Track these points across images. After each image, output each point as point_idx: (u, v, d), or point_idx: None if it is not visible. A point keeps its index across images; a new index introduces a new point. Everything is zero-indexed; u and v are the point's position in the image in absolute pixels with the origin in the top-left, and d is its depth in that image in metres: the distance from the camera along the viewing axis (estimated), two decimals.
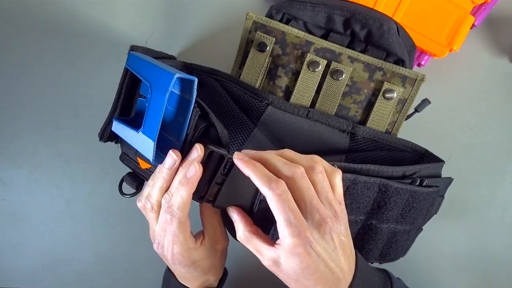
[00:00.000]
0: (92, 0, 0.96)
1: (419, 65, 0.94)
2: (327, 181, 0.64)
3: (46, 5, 0.96)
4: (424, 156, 0.83)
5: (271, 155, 0.65)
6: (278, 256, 0.62)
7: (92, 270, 1.04)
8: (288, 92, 0.83)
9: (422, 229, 0.86)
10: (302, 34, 0.81)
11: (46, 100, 0.99)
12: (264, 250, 0.64)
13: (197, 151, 0.65)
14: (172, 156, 0.66)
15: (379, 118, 0.82)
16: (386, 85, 0.81)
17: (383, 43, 0.79)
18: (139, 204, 0.72)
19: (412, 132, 0.85)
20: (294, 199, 0.60)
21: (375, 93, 0.82)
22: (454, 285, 1.03)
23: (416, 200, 0.76)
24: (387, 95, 0.81)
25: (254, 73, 0.83)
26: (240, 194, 0.69)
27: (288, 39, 0.82)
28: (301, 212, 0.60)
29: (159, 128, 0.64)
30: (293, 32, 0.81)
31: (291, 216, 0.59)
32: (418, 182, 0.76)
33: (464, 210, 1.01)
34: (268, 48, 0.81)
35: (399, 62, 0.82)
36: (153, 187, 0.68)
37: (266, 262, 0.64)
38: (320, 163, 0.64)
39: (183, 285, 0.79)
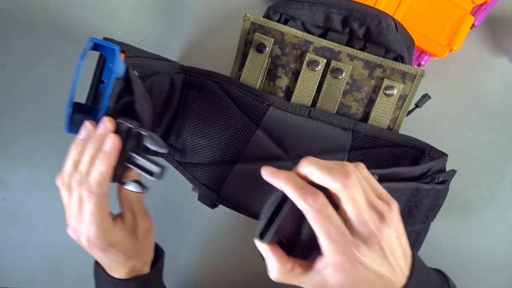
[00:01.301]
0: (91, 1, 0.96)
1: (419, 65, 0.93)
2: (364, 182, 0.57)
3: (47, 6, 0.96)
4: (425, 151, 0.82)
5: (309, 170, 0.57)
6: (323, 278, 0.57)
7: (92, 270, 1.04)
8: (289, 92, 0.83)
9: None
10: (301, 33, 0.80)
11: (46, 100, 0.98)
12: (306, 280, 0.58)
13: (105, 124, 0.63)
14: (87, 127, 0.64)
15: (381, 115, 0.81)
16: (386, 82, 0.80)
17: (381, 40, 0.79)
18: (57, 182, 0.68)
19: (412, 132, 0.84)
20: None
21: (375, 90, 0.81)
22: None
23: (440, 198, 0.77)
24: (387, 92, 0.80)
25: (254, 74, 0.82)
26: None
27: (287, 39, 0.81)
28: (346, 226, 0.55)
29: (73, 93, 0.63)
30: (292, 32, 0.80)
31: (332, 232, 0.53)
32: (437, 180, 0.75)
33: (464, 210, 1.00)
34: (267, 49, 0.80)
35: (398, 58, 0.81)
36: (67, 160, 0.66)
37: (310, 287, 0.59)
38: (353, 168, 0.57)
39: (111, 275, 0.76)
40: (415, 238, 0.80)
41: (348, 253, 0.54)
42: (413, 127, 0.89)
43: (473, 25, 0.89)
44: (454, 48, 0.88)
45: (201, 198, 0.87)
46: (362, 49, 0.81)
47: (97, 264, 0.79)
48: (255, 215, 0.84)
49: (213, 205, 0.86)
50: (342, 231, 0.54)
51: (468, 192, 1.00)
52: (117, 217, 0.72)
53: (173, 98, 0.85)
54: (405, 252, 0.60)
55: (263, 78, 0.83)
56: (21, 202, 1.02)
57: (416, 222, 0.77)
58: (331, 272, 0.56)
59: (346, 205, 0.55)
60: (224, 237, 1.02)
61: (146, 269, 0.79)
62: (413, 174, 0.74)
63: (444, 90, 0.97)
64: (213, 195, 0.84)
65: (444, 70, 0.97)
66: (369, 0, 0.86)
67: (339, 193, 0.55)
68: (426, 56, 0.92)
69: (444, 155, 0.81)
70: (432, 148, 0.82)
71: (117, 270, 0.75)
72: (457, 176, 0.88)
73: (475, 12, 0.90)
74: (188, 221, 1.02)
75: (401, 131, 0.84)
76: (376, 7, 0.84)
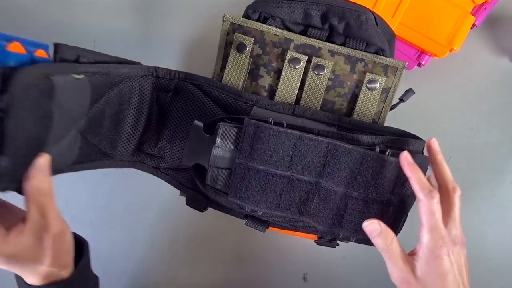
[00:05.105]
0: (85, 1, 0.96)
1: (419, 65, 0.89)
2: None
3: (47, 5, 0.97)
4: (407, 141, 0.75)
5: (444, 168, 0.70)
6: (414, 267, 0.66)
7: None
8: (272, 91, 0.80)
9: (406, 215, 0.76)
10: (281, 31, 0.77)
11: None
12: (400, 263, 0.67)
13: None
14: None
15: (365, 109, 0.78)
16: (368, 76, 0.76)
17: (362, 34, 0.75)
18: None
19: (411, 132, 0.84)
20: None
21: (358, 85, 0.78)
22: None
23: (369, 163, 0.71)
24: (370, 86, 0.76)
25: (236, 75, 0.79)
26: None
27: (267, 38, 0.78)
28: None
29: None
30: (271, 30, 0.77)
31: (438, 224, 0.65)
32: (377, 149, 0.72)
33: (464, 210, 0.97)
34: (247, 48, 0.78)
35: (380, 51, 0.77)
36: None
37: (399, 274, 0.67)
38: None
39: (27, 283, 0.66)
40: (343, 204, 0.74)
41: (443, 242, 0.65)
42: (412, 127, 0.87)
43: (473, 25, 0.86)
44: (455, 48, 0.86)
45: (189, 203, 0.83)
46: (343, 44, 0.78)
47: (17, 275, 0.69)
48: (250, 217, 0.81)
49: (203, 209, 0.83)
50: (443, 226, 0.66)
51: (468, 192, 0.97)
52: (16, 224, 0.61)
53: (143, 105, 0.81)
54: (464, 283, 0.68)
55: (245, 78, 0.80)
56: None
57: (340, 182, 0.72)
58: (423, 262, 0.66)
59: (452, 210, 0.67)
60: (217, 239, 1.02)
61: (65, 273, 0.68)
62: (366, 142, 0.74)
63: (444, 90, 0.95)
64: (202, 198, 0.81)
65: (444, 70, 0.94)
66: (369, 1, 0.84)
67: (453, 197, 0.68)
68: (427, 56, 0.88)
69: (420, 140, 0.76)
70: (409, 134, 0.77)
71: (30, 277, 0.66)
72: (457, 176, 0.85)
73: (475, 11, 0.86)
74: (179, 222, 1.01)
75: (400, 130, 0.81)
76: (376, 7, 0.82)
